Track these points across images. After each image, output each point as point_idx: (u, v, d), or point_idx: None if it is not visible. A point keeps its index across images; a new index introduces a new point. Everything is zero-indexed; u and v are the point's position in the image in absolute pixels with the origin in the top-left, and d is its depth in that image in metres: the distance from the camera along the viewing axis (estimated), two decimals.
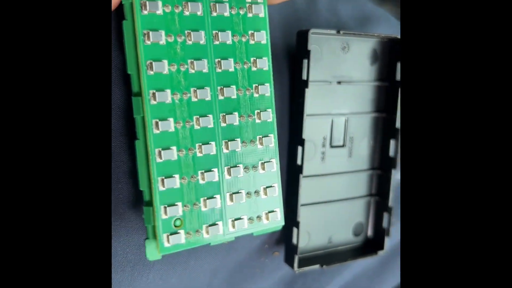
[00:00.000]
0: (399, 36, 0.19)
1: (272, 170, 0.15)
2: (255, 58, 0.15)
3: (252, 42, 0.15)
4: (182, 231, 0.14)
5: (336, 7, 0.20)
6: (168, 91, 0.14)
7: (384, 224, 0.21)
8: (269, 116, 0.15)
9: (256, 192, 0.15)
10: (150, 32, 0.13)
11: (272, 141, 0.15)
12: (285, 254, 0.20)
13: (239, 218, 0.15)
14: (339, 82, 0.19)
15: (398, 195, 0.22)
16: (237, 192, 0.15)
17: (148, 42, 0.13)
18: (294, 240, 0.19)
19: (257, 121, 0.15)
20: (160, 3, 0.13)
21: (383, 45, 0.20)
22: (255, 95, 0.15)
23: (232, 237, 0.15)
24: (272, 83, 0.15)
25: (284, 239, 0.20)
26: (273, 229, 0.16)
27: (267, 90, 0.15)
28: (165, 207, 0.14)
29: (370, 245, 0.21)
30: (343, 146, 0.20)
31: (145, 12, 0.13)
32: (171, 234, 0.14)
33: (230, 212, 0.15)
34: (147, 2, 0.13)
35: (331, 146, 0.19)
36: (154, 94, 0.13)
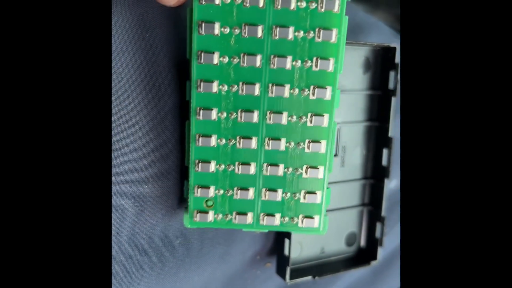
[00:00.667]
0: (391, 45, 0.19)
1: (318, 177, 0.15)
2: (318, 58, 0.14)
3: (318, 40, 0.14)
4: (211, 211, 0.15)
5: None
6: (216, 82, 0.14)
7: (377, 234, 0.21)
8: (324, 121, 0.14)
9: (295, 194, 0.15)
10: (204, 23, 0.13)
11: (322, 148, 0.15)
12: (277, 266, 0.19)
13: (271, 215, 0.15)
14: None
15: (391, 204, 0.22)
16: (273, 190, 0.15)
17: (202, 33, 0.13)
18: (286, 251, 0.18)
19: (309, 124, 0.14)
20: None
21: (376, 53, 0.20)
22: (311, 97, 0.14)
23: (265, 229, 0.15)
24: (337, 86, 0.14)
25: (276, 250, 0.20)
26: (311, 232, 0.16)
27: (325, 94, 0.14)
28: (198, 187, 0.15)
29: (363, 255, 0.21)
30: (335, 155, 0.20)
31: (203, 3, 0.13)
32: (201, 211, 0.15)
33: (263, 206, 0.15)
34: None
35: None
36: (200, 82, 0.14)
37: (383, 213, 0.20)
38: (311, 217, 0.15)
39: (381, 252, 0.21)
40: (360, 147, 0.20)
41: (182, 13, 0.15)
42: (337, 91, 0.14)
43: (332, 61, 0.14)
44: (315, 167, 0.15)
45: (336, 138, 0.20)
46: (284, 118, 0.14)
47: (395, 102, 0.19)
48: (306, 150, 0.15)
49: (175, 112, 0.16)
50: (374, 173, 0.21)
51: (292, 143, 0.15)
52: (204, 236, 0.17)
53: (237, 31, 0.14)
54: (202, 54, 0.14)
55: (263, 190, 0.15)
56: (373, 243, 0.21)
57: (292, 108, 0.14)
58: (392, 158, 0.20)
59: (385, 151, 0.20)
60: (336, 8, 0.14)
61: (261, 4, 0.13)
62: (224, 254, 0.18)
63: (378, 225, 0.21)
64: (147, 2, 0.15)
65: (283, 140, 0.15)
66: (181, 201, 0.17)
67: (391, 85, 0.19)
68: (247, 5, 0.13)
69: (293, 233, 0.16)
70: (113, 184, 0.15)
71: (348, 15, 0.18)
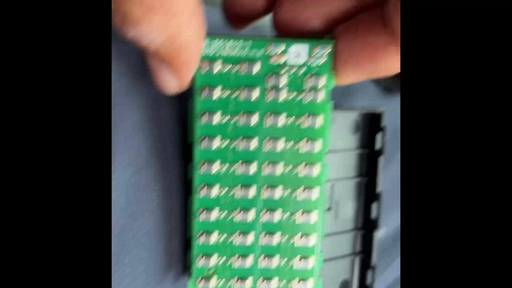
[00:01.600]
0: (378, 111, 0.21)
1: (309, 245, 0.17)
2: (307, 139, 0.16)
3: (306, 125, 0.16)
4: (214, 278, 0.16)
5: None
6: (216, 163, 0.16)
7: (368, 281, 0.22)
8: (312, 195, 0.16)
9: (289, 261, 0.17)
10: (205, 114, 0.15)
11: (312, 219, 0.16)
12: None
13: (269, 278, 0.17)
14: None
15: (380, 251, 0.24)
16: (270, 257, 0.17)
17: (202, 123, 0.15)
18: None
19: (299, 198, 0.16)
20: (218, 89, 0.15)
21: (364, 117, 0.22)
22: (300, 175, 0.16)
23: None
24: (325, 162, 0.16)
25: None
26: None
27: (312, 171, 0.16)
28: (199, 258, 0.16)
29: None
30: (329, 209, 0.21)
31: (203, 97, 0.15)
32: (204, 278, 0.16)
33: (262, 272, 0.17)
34: (205, 88, 0.15)
35: None
36: (201, 165, 0.16)
37: (373, 262, 0.22)
38: (305, 280, 0.17)
39: None
40: (351, 201, 0.22)
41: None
42: (325, 167, 0.16)
43: (319, 142, 0.16)
44: (307, 235, 0.17)
45: (330, 193, 0.22)
46: (277, 193, 0.16)
47: (382, 161, 0.22)
48: (298, 221, 0.17)
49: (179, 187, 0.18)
50: (365, 225, 0.23)
51: (286, 214, 0.16)
52: None
53: (234, 118, 0.16)
54: (203, 140, 0.16)
55: (261, 257, 0.17)
56: None
57: (286, 184, 0.16)
58: (381, 211, 0.22)
59: (374, 205, 0.22)
60: (319, 100, 0.16)
61: (253, 98, 0.15)
62: None
63: (369, 273, 0.22)
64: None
65: (278, 212, 0.16)
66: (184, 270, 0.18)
67: (378, 146, 0.22)
68: (242, 98, 0.15)
69: None
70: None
71: None
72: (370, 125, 0.22)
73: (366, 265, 0.22)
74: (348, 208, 0.22)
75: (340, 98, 0.23)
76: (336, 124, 0.21)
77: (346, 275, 0.23)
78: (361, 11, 0.15)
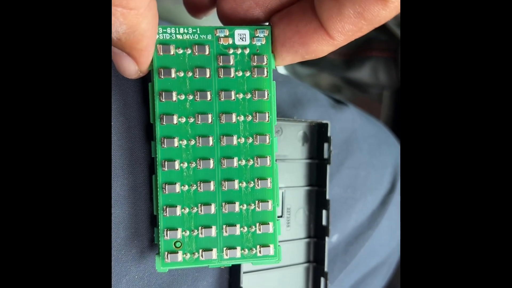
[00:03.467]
0: (323, 121, 0.22)
1: (267, 210, 0.18)
2: (256, 112, 0.18)
3: (255, 99, 0.18)
4: (180, 252, 0.17)
5: None
6: (176, 138, 0.17)
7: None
8: (267, 162, 0.18)
9: (251, 227, 0.18)
10: (164, 92, 0.17)
11: (269, 183, 0.18)
12: None
13: (233, 248, 0.18)
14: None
15: (332, 257, 0.24)
16: (232, 225, 0.18)
17: (163, 100, 0.17)
18: None
19: (256, 165, 0.18)
20: (174, 70, 0.17)
21: (312, 128, 0.23)
22: (255, 143, 0.18)
23: (229, 263, 0.18)
24: (274, 134, 0.18)
25: None
26: (267, 262, 0.18)
27: (266, 139, 0.18)
28: (166, 230, 0.17)
29: None
30: (281, 216, 0.22)
31: (162, 77, 0.17)
32: (171, 252, 0.17)
33: (225, 241, 0.18)
34: (162, 70, 0.17)
35: None
36: (164, 140, 0.17)
37: (325, 268, 0.23)
38: (267, 246, 0.18)
39: None
40: (302, 209, 0.23)
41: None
42: (275, 138, 0.18)
43: (267, 114, 0.18)
44: (265, 201, 0.18)
45: (281, 201, 0.22)
46: (235, 162, 0.18)
47: (329, 170, 0.23)
48: (256, 187, 0.18)
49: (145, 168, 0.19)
50: (316, 232, 0.23)
51: (244, 183, 0.18)
52: None
53: (190, 96, 0.17)
54: (164, 117, 0.17)
55: (224, 226, 0.18)
56: None
57: (241, 153, 0.18)
58: (332, 216, 0.23)
59: (324, 212, 0.23)
60: (265, 74, 0.18)
61: (207, 75, 0.17)
62: None
63: (322, 280, 0.23)
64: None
65: (236, 181, 0.18)
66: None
67: (325, 155, 0.23)
68: (197, 76, 0.17)
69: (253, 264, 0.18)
70: None
71: (290, 91, 0.22)
72: (318, 136, 0.23)
73: (319, 272, 0.23)
74: (299, 216, 0.23)
75: (292, 109, 0.24)
76: (284, 135, 0.22)
77: (301, 283, 0.23)
78: (295, 1, 0.17)
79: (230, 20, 0.18)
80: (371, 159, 0.26)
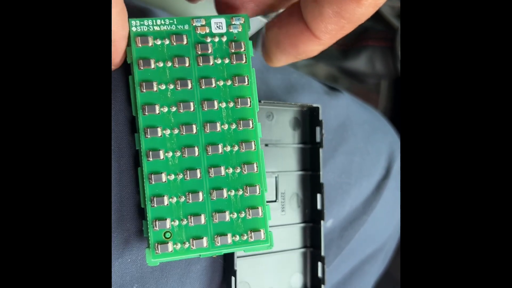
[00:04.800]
0: (314, 105, 0.22)
1: (256, 194, 0.18)
2: (238, 98, 0.18)
3: (235, 85, 0.18)
4: (171, 242, 0.17)
5: (267, 77, 0.24)
6: (160, 127, 0.17)
7: (319, 273, 0.23)
8: (252, 146, 0.18)
9: (240, 212, 0.18)
10: (144, 83, 0.17)
11: (255, 168, 0.18)
12: None
13: (224, 234, 0.18)
14: (266, 145, 0.22)
15: (328, 242, 0.24)
16: (221, 211, 0.18)
17: (144, 91, 0.17)
18: None
19: (241, 150, 0.18)
20: (153, 60, 0.17)
21: (303, 113, 0.23)
22: (239, 128, 0.18)
23: (221, 252, 0.18)
24: (257, 119, 0.18)
25: None
26: (258, 248, 0.18)
27: (249, 124, 0.18)
28: (155, 221, 0.17)
29: None
30: (275, 201, 0.22)
31: (141, 68, 0.17)
32: (161, 243, 0.17)
33: (215, 228, 0.18)
34: (141, 61, 0.17)
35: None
36: (147, 130, 0.17)
37: (322, 253, 0.23)
38: (258, 230, 0.18)
39: None
40: (296, 193, 0.23)
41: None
42: (258, 124, 0.18)
43: (249, 99, 0.18)
44: (252, 185, 0.18)
45: (275, 185, 0.23)
46: (220, 149, 0.18)
47: (321, 153, 0.23)
48: (243, 172, 0.18)
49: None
50: (312, 217, 0.23)
51: (231, 168, 0.18)
52: (159, 281, 0.19)
53: (171, 85, 0.17)
54: (146, 107, 0.17)
55: (213, 213, 0.17)
56: (317, 281, 0.23)
57: (225, 139, 0.18)
58: (326, 201, 0.23)
59: (318, 196, 0.23)
60: (244, 60, 0.18)
61: (187, 64, 0.17)
62: None
63: (319, 265, 0.23)
64: None
65: (223, 167, 0.18)
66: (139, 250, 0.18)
67: (317, 139, 0.23)
68: (176, 65, 0.17)
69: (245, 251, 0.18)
70: None
71: (284, 77, 0.22)
72: (310, 120, 0.23)
73: (316, 257, 0.23)
74: (293, 200, 0.23)
75: (286, 95, 0.24)
76: (276, 120, 0.23)
77: (298, 269, 0.23)
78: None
79: (224, 11, 0.18)
80: (365, 145, 0.26)
